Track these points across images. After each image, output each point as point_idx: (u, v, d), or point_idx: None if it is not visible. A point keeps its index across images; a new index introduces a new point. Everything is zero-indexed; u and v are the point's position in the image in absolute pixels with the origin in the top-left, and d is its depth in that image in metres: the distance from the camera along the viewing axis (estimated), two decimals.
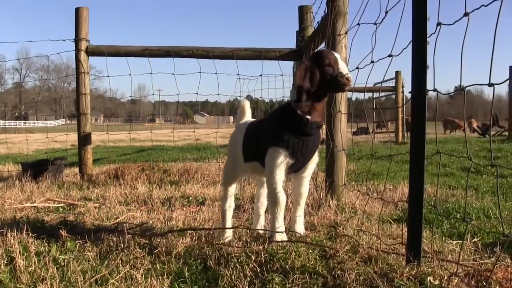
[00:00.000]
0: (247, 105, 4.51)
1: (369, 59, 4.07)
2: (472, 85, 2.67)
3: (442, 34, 2.88)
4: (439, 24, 2.87)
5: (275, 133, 3.70)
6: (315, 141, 3.77)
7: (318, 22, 6.84)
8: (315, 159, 3.93)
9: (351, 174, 7.66)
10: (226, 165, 4.41)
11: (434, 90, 2.97)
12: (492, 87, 2.40)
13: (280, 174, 3.70)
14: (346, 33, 5.45)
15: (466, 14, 2.63)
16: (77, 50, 8.52)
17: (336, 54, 3.66)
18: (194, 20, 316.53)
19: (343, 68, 3.58)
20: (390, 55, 3.61)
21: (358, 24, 4.48)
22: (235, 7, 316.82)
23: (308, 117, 3.63)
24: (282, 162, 3.67)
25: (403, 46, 3.31)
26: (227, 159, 4.43)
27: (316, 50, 3.84)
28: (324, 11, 6.06)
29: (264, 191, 4.32)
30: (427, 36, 3.00)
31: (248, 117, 4.49)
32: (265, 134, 3.80)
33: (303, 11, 8.29)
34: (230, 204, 4.28)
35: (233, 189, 4.33)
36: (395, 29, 3.53)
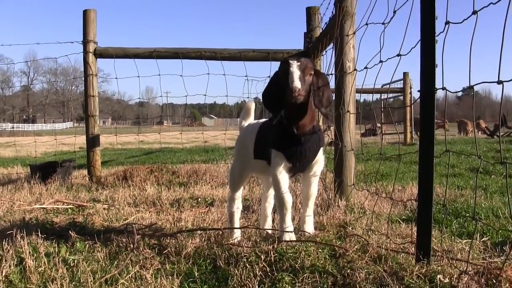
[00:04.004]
0: (252, 106, 4.53)
1: (377, 59, 4.08)
2: (480, 83, 2.66)
3: (452, 33, 2.88)
4: (447, 22, 2.87)
5: (274, 137, 3.78)
6: (312, 147, 3.78)
7: (326, 23, 6.83)
8: (319, 161, 3.94)
9: (360, 175, 7.66)
10: (233, 167, 4.42)
11: (443, 88, 2.97)
12: (501, 85, 2.39)
13: (282, 176, 3.78)
14: (354, 33, 5.45)
15: (474, 12, 2.62)
16: (85, 52, 8.55)
17: (291, 61, 3.58)
18: (201, 22, 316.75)
19: (291, 79, 3.49)
20: (398, 55, 3.61)
21: (366, 24, 4.48)
22: (243, 8, 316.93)
23: (294, 129, 3.68)
24: (281, 164, 3.76)
25: (412, 45, 3.30)
26: (234, 161, 4.45)
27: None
28: (332, 12, 6.05)
29: (271, 192, 4.35)
30: (436, 35, 3.00)
31: (252, 118, 4.51)
32: (270, 136, 3.86)
33: (310, 12, 8.29)
34: (238, 206, 4.31)
35: (240, 191, 4.36)
36: (404, 29, 3.53)
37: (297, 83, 3.43)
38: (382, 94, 21.07)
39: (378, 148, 14.69)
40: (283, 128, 3.72)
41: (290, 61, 3.56)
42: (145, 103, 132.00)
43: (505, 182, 3.07)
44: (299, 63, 3.54)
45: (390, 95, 24.03)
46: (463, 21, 2.78)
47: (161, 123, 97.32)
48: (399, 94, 22.48)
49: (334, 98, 5.77)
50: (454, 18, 2.85)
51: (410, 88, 20.87)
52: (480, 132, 31.80)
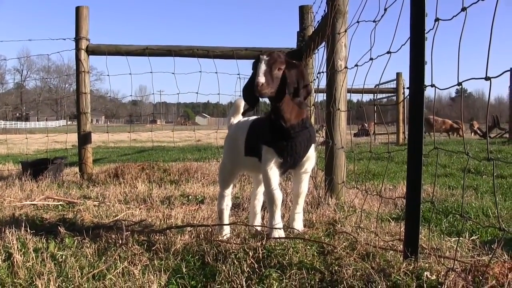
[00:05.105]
0: (242, 103, 4.53)
1: (368, 57, 4.08)
2: (469, 79, 2.66)
3: (445, 32, 2.87)
4: (437, 19, 2.87)
5: (265, 133, 3.83)
6: (303, 141, 3.81)
7: (318, 21, 6.85)
8: (310, 157, 3.95)
9: (351, 175, 7.66)
10: (223, 164, 4.43)
11: (432, 85, 2.97)
12: (489, 81, 2.39)
13: (273, 172, 3.81)
14: (345, 31, 5.45)
15: (463, 9, 2.62)
16: (78, 49, 8.54)
17: (261, 57, 3.65)
18: (194, 19, 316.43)
19: (256, 74, 3.59)
20: (388, 52, 3.61)
21: (358, 22, 4.48)
22: (237, 6, 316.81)
23: (282, 123, 3.73)
24: (271, 160, 3.79)
25: (402, 43, 3.30)
26: (224, 158, 4.44)
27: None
28: (324, 11, 6.06)
29: (261, 189, 4.36)
30: (426, 32, 3.00)
31: (240, 115, 4.52)
32: (261, 133, 3.89)
33: (303, 11, 8.30)
34: (228, 203, 4.32)
35: (230, 188, 4.37)
36: (395, 27, 3.53)
37: (261, 78, 3.53)
38: (375, 94, 21.05)
39: (370, 147, 14.67)
40: (273, 124, 3.74)
41: (260, 57, 3.63)
42: (139, 101, 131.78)
43: (495, 182, 3.07)
44: (268, 58, 3.62)
45: (384, 95, 24.09)
46: (452, 17, 2.77)
47: (154, 121, 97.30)
48: (392, 94, 22.52)
49: (325, 96, 5.78)
50: (445, 16, 2.85)
51: (403, 88, 20.89)
52: (472, 133, 31.89)
